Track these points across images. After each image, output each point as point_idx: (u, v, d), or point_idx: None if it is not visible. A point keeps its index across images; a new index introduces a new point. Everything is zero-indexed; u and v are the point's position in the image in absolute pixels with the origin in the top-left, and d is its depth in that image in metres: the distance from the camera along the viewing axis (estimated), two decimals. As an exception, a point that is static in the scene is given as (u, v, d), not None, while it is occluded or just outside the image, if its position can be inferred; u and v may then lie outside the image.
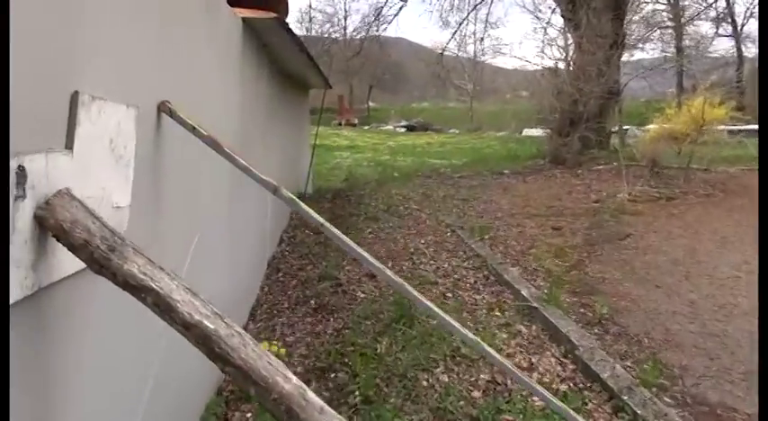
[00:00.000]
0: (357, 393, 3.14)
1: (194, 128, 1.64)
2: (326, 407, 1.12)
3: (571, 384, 3.08)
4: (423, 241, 5.72)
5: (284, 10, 3.69)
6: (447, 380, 3.09)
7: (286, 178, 6.43)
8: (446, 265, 4.89)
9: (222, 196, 1.95)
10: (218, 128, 2.40)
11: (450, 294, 4.26)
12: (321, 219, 1.76)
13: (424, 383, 3.12)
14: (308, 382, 3.39)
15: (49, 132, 1.07)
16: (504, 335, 3.51)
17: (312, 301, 4.61)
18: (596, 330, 3.73)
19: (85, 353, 1.37)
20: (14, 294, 0.98)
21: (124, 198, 1.39)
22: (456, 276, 4.63)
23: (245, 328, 4.16)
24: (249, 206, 3.77)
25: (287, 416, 1.07)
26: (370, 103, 41.58)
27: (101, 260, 1.04)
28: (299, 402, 1.08)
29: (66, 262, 1.11)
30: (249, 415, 3.10)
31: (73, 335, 1.26)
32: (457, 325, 1.82)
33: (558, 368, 3.25)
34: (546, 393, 1.94)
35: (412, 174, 10.57)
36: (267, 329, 4.17)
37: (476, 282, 4.49)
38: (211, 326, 1.06)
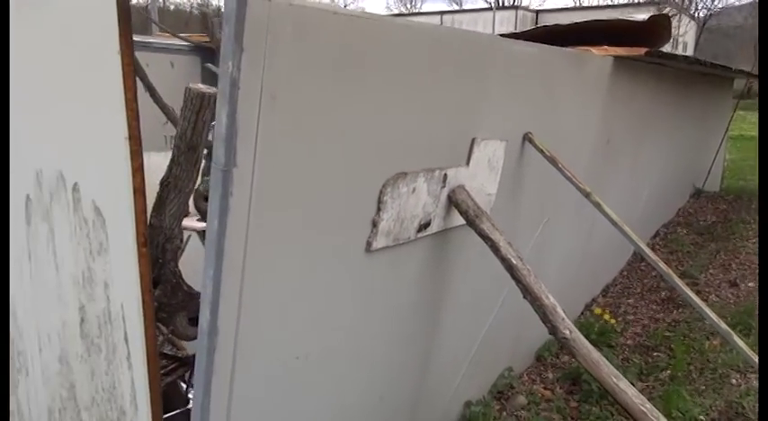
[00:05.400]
0: (668, 371, 3.69)
1: (542, 150, 2.66)
2: (567, 320, 2.03)
3: None
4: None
5: (666, 37, 4.18)
6: (756, 385, 3.31)
7: (670, 176, 6.68)
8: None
9: (574, 194, 2.90)
10: (575, 146, 3.33)
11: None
12: (615, 217, 2.55)
13: (733, 382, 3.43)
14: (632, 353, 4.10)
15: (460, 157, 2.29)
16: None
17: (663, 293, 5.07)
18: None
19: (464, 269, 2.62)
20: (435, 228, 2.26)
21: (492, 189, 2.55)
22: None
23: (594, 300, 5.01)
24: (611, 200, 4.53)
25: (542, 315, 2.05)
26: None
27: (471, 220, 2.22)
28: (551, 310, 2.03)
29: (458, 218, 2.33)
30: (573, 361, 4.01)
31: (459, 257, 2.52)
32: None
33: None
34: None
35: None
36: (613, 305, 4.91)
37: None
38: (514, 261, 2.12)
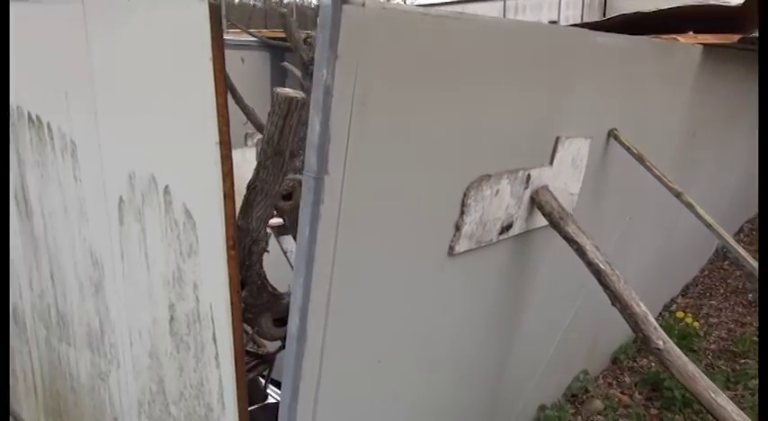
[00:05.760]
0: (757, 379, 3.46)
1: (628, 147, 2.53)
2: (660, 330, 1.92)
3: None
4: None
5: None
6: None
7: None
8: None
9: (657, 191, 2.77)
10: (660, 141, 3.16)
11: None
12: (709, 219, 2.39)
13: (834, 393, 3.17)
14: (717, 359, 3.89)
15: (543, 157, 2.20)
16: None
17: (750, 295, 4.77)
18: None
19: (544, 271, 2.54)
20: (517, 230, 2.19)
21: (575, 189, 2.45)
22: None
23: (674, 300, 4.78)
24: (695, 195, 4.29)
25: (633, 324, 1.95)
26: None
27: (555, 222, 2.13)
28: (643, 319, 1.93)
29: (540, 219, 2.25)
30: (653, 364, 3.84)
31: (540, 260, 2.44)
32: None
33: None
34: None
35: None
36: (694, 306, 4.67)
37: None
38: (602, 266, 2.02)
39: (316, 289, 1.50)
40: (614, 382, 3.66)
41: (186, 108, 1.64)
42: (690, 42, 3.21)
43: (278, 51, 4.86)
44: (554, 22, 24.19)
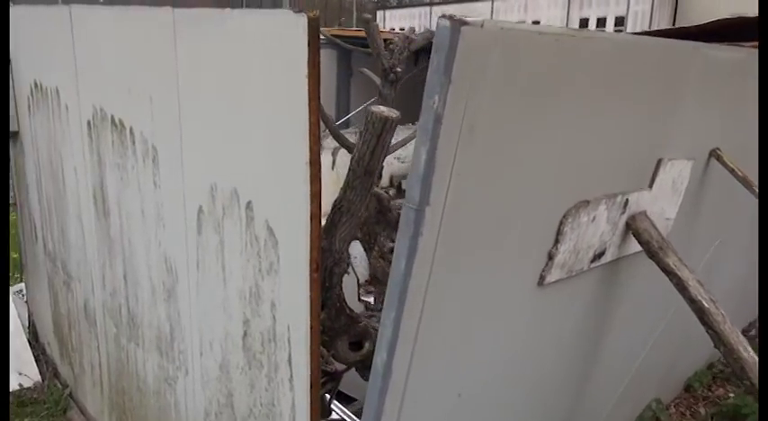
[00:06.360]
0: None
1: (732, 169, 2.32)
2: (771, 379, 1.74)
3: None
4: None
5: None
6: None
7: None
8: None
9: (752, 214, 2.55)
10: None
11: None
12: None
13: None
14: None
15: (642, 180, 2.04)
16: None
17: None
18: None
19: (628, 299, 2.37)
20: (609, 257, 2.04)
21: (672, 213, 2.27)
22: None
23: (753, 325, 4.47)
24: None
25: (740, 371, 1.77)
26: None
27: (654, 252, 1.97)
28: (751, 366, 1.75)
29: (634, 245, 2.09)
30: (731, 394, 3.60)
31: (626, 288, 2.27)
32: None
33: None
34: None
35: None
36: (776, 333, 4.33)
37: None
38: (706, 305, 1.85)
39: (405, 324, 1.40)
40: (687, 412, 3.44)
41: (276, 124, 1.57)
42: (800, 52, 2.94)
43: (344, 50, 4.78)
44: (622, 18, 23.26)
